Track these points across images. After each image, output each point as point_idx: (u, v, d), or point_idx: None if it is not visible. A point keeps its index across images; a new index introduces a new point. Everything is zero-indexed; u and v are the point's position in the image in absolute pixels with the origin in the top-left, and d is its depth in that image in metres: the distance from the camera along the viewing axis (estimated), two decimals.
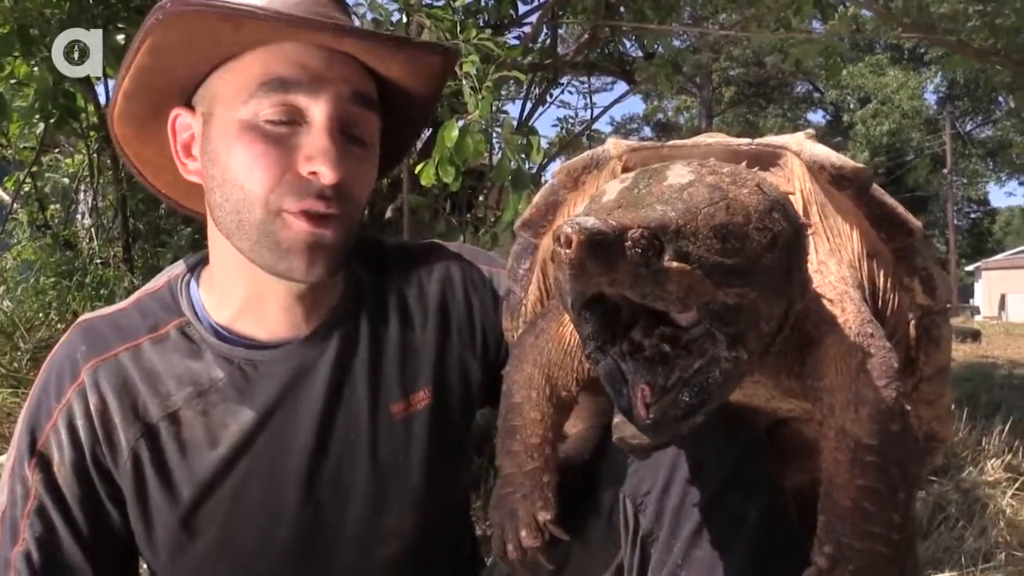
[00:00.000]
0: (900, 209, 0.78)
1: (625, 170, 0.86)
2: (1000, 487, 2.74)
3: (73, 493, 0.97)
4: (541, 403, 0.81)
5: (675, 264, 0.56)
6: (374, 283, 1.08)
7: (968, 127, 33.58)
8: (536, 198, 0.90)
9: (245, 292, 1.00)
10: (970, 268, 35.91)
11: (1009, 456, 3.04)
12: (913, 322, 0.82)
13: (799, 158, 0.80)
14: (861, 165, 0.77)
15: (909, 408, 0.72)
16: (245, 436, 0.98)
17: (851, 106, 32.06)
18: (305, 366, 1.00)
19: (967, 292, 36.28)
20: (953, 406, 3.38)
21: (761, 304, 0.62)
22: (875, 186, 0.78)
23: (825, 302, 0.73)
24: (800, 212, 0.77)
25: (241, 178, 0.91)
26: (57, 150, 3.85)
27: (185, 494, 0.97)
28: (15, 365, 2.98)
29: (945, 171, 32.13)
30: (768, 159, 0.82)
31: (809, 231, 0.70)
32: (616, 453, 0.89)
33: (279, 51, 0.91)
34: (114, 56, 2.37)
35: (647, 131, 31.93)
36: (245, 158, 0.91)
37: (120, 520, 0.99)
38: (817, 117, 35.45)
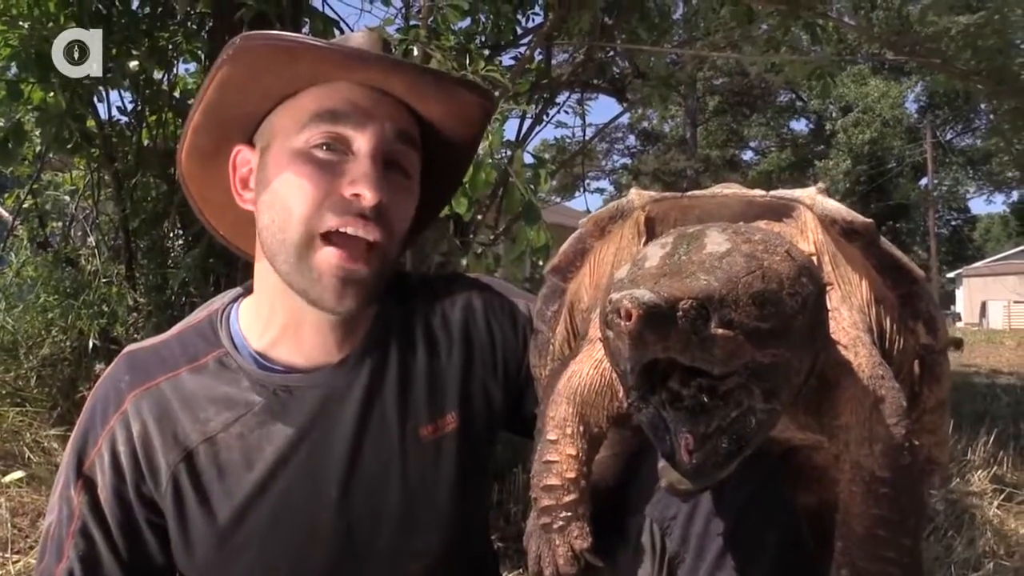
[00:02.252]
0: (905, 259, 0.85)
1: (648, 220, 0.92)
2: (987, 497, 2.82)
3: (114, 516, 1.02)
4: (576, 440, 0.86)
5: (720, 331, 0.62)
6: (401, 313, 1.14)
7: (948, 136, 34.00)
8: (564, 245, 0.96)
9: (283, 319, 1.06)
10: (951, 275, 36.29)
11: (995, 467, 3.12)
12: (917, 360, 0.89)
13: (811, 211, 0.86)
14: (869, 220, 0.83)
15: (917, 443, 0.79)
16: (280, 458, 1.03)
17: (833, 115, 32.44)
18: (337, 391, 1.06)
19: (948, 299, 36.64)
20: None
21: (793, 360, 0.69)
22: (882, 238, 0.84)
23: (840, 347, 0.80)
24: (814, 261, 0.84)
25: (289, 199, 0.99)
26: (45, 159, 3.86)
27: (223, 515, 1.02)
28: (19, 383, 3.02)
29: (925, 180, 32.51)
30: (782, 211, 0.88)
31: (829, 288, 0.76)
32: (641, 479, 0.95)
33: (332, 89, 1.00)
34: (122, 77, 2.41)
35: (631, 139, 32.13)
36: (294, 180, 0.98)
37: (157, 546, 1.04)
38: (800, 126, 35.92)
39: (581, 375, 0.87)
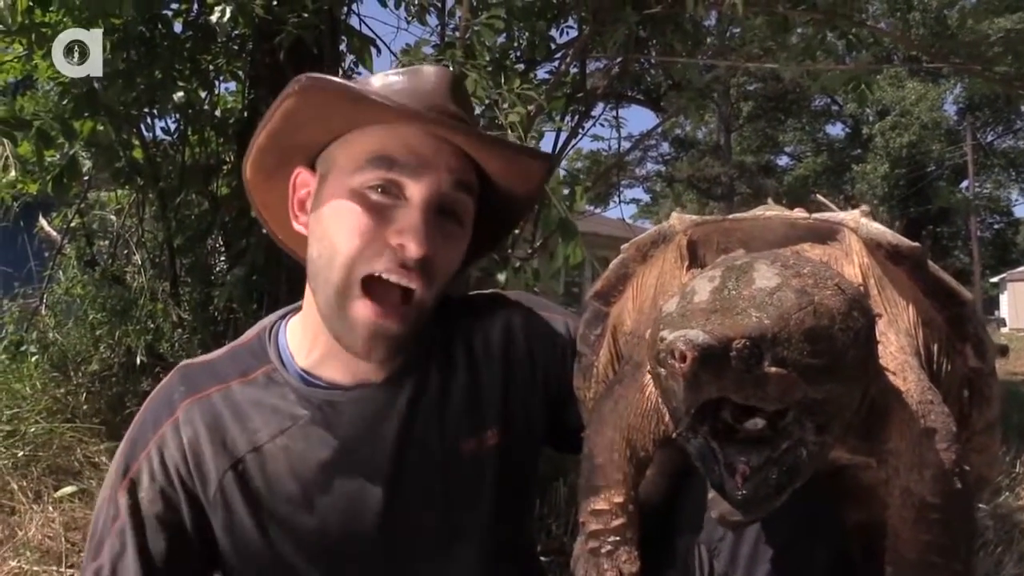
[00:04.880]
0: (952, 282, 0.84)
1: (690, 243, 0.93)
2: None
3: (157, 514, 1.03)
4: (623, 464, 0.87)
5: (774, 369, 0.63)
6: (443, 333, 1.16)
7: (989, 137, 33.36)
8: (607, 271, 0.97)
9: (326, 341, 1.08)
10: (995, 280, 35.50)
11: None
12: (965, 383, 0.88)
13: (856, 234, 0.86)
14: (916, 244, 0.83)
15: (968, 467, 0.79)
16: (324, 471, 1.05)
17: (870, 119, 31.96)
18: (380, 407, 1.08)
19: (992, 304, 35.83)
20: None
21: (845, 394, 0.69)
22: (929, 261, 0.84)
23: (888, 373, 0.79)
24: (859, 283, 0.84)
25: (336, 237, 1.01)
26: (92, 181, 3.97)
27: (270, 524, 1.05)
28: (70, 399, 3.10)
29: (966, 183, 31.91)
30: (826, 234, 0.88)
31: (877, 318, 0.76)
32: (688, 499, 0.96)
33: (393, 131, 1.01)
34: (169, 105, 2.48)
35: (665, 146, 31.96)
36: (344, 220, 1.00)
37: (197, 552, 1.05)
38: (836, 130, 35.46)
39: (627, 400, 0.88)
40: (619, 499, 0.87)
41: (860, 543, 0.95)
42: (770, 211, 0.92)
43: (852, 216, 0.87)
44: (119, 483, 1.06)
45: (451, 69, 2.17)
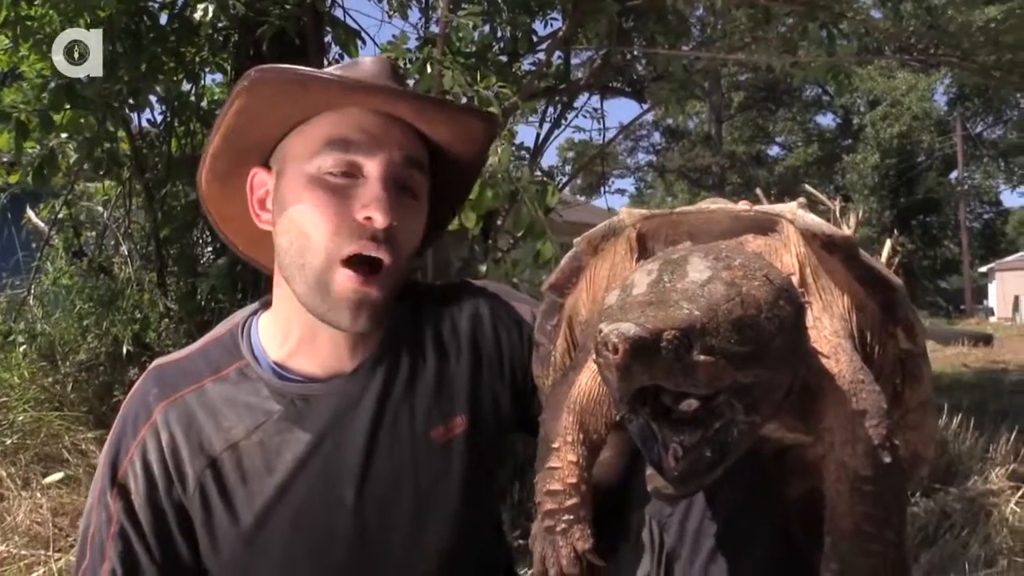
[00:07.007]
0: (884, 269, 0.89)
1: (639, 236, 0.97)
2: (1004, 495, 2.83)
3: (147, 520, 1.09)
4: (576, 447, 0.91)
5: (702, 357, 0.67)
6: (411, 322, 1.19)
7: (979, 128, 33.46)
8: (561, 263, 1.01)
9: (300, 332, 1.12)
10: (983, 269, 35.66)
11: (1014, 464, 3.12)
12: (897, 364, 0.94)
13: (794, 225, 0.91)
14: (848, 233, 0.88)
15: (898, 442, 0.84)
16: (298, 463, 1.09)
17: (861, 109, 32.04)
18: (351, 398, 1.12)
19: (981, 294, 35.99)
20: (959, 416, 3.47)
21: (774, 378, 0.74)
22: (860, 251, 0.89)
23: (821, 356, 0.84)
24: (796, 272, 0.89)
25: (306, 224, 1.05)
26: (78, 172, 4.00)
27: (247, 518, 1.08)
28: (58, 388, 3.13)
29: (955, 173, 32.02)
30: (767, 225, 0.93)
31: (808, 305, 0.81)
32: (641, 478, 1.00)
33: (343, 116, 1.06)
34: (149, 94, 2.50)
35: (656, 136, 31.98)
36: (310, 206, 1.04)
37: (187, 548, 1.10)
38: (827, 120, 35.55)
39: (580, 385, 0.92)
40: (573, 480, 0.91)
41: (804, 517, 1.01)
42: (715, 204, 0.97)
43: (790, 208, 0.91)
44: (109, 489, 1.10)
45: (429, 68, 2.20)
